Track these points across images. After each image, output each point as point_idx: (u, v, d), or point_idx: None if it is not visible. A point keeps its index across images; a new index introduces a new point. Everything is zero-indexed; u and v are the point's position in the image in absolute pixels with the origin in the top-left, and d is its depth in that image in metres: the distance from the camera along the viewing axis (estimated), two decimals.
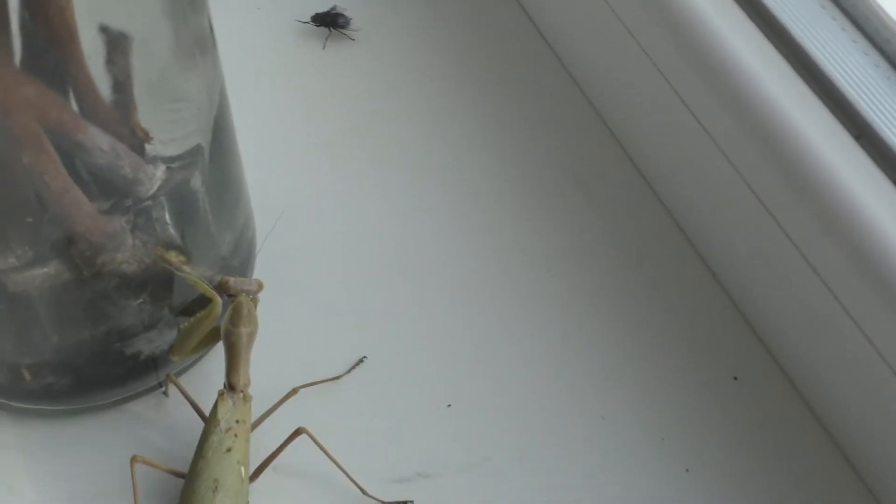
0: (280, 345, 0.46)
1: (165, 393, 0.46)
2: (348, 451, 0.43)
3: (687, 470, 0.44)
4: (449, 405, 0.46)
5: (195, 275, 0.42)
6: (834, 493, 0.43)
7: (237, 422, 0.41)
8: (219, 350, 0.43)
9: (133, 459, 0.41)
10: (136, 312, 0.43)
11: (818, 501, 0.43)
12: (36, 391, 0.44)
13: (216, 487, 0.40)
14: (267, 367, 0.43)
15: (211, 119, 0.42)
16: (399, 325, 0.48)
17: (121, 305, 0.43)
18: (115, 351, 0.44)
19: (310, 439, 0.42)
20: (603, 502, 0.43)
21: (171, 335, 0.44)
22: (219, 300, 0.41)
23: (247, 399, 0.42)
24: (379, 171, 0.54)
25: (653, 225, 0.51)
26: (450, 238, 0.51)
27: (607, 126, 0.55)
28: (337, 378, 0.46)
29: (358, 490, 0.42)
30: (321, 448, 0.42)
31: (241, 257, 0.47)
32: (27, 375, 0.43)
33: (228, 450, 0.41)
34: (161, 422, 0.45)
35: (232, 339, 0.41)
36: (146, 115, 0.39)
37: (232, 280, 0.41)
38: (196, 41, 0.40)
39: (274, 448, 0.42)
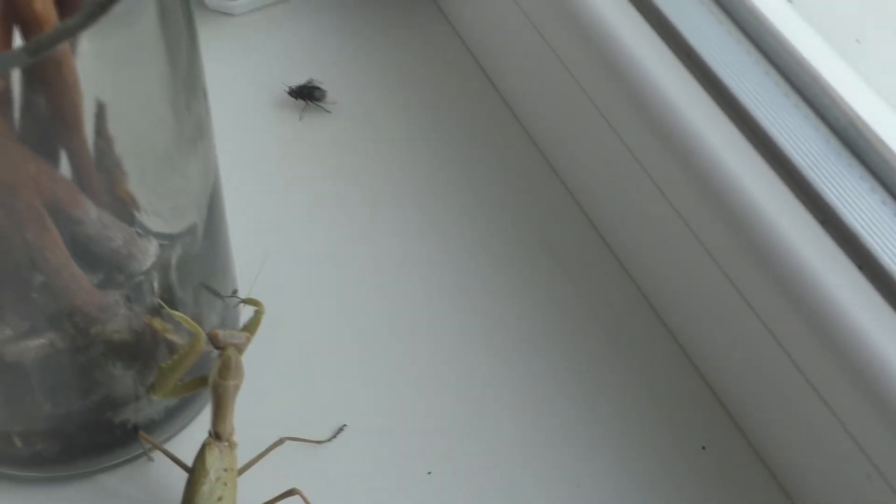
0: (264, 396, 0.47)
1: (150, 458, 0.47)
2: None
3: None
4: (429, 472, 0.47)
5: (177, 313, 0.42)
6: None
7: (225, 470, 0.42)
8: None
9: None
10: (126, 382, 0.45)
11: None
12: (25, 458, 0.45)
13: None
14: (251, 415, 0.44)
15: (207, 197, 0.44)
16: (380, 390, 0.50)
17: (112, 374, 0.44)
18: (105, 419, 0.45)
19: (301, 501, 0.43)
20: None
21: (159, 404, 0.46)
22: (202, 334, 0.42)
23: (233, 446, 0.43)
24: (357, 236, 0.55)
25: (626, 302, 0.53)
26: (429, 301, 0.53)
27: (575, 200, 0.57)
28: (320, 442, 0.47)
29: None
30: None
31: (230, 326, 0.48)
32: (18, 443, 0.44)
33: (220, 499, 0.42)
34: (147, 486, 0.46)
35: (220, 390, 0.42)
36: (148, 197, 0.41)
37: (221, 333, 0.42)
38: (196, 126, 0.41)
39: (262, 500, 0.43)
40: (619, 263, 0.54)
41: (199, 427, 0.47)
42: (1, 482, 0.45)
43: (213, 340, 0.42)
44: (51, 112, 0.37)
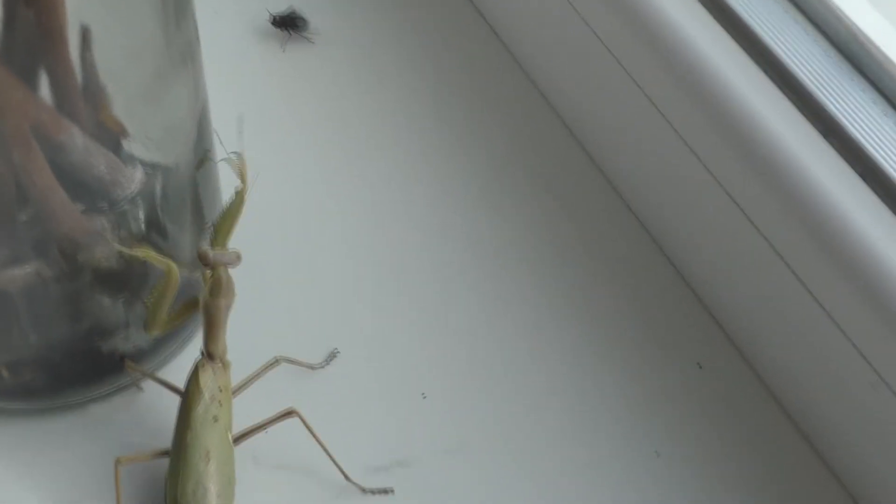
0: (254, 320, 0.46)
1: (139, 387, 0.46)
2: (325, 440, 0.43)
3: (657, 453, 0.45)
4: (424, 396, 0.47)
5: (143, 250, 0.41)
6: (798, 476, 0.45)
7: (220, 389, 0.42)
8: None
9: (117, 462, 0.41)
10: (113, 310, 0.44)
11: (783, 485, 0.45)
12: (13, 390, 0.44)
13: (208, 458, 0.41)
14: (242, 339, 0.43)
15: (195, 123, 0.42)
16: (373, 316, 0.49)
17: (99, 303, 0.43)
18: (93, 348, 0.44)
19: (298, 423, 0.42)
20: (578, 484, 0.44)
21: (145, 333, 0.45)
22: (173, 266, 0.41)
23: (226, 366, 0.42)
24: (344, 167, 0.54)
25: (617, 222, 0.53)
26: (421, 230, 0.52)
27: (566, 125, 0.56)
28: (313, 367, 0.47)
29: (340, 477, 0.43)
30: (310, 431, 0.42)
31: None
32: (5, 373, 0.44)
33: (215, 419, 0.41)
34: (140, 414, 0.45)
35: (211, 310, 0.41)
36: (134, 123, 0.39)
37: (211, 252, 0.41)
38: (185, 49, 0.40)
39: (258, 420, 0.42)
40: (613, 188, 0.54)
41: (187, 355, 0.46)
42: None
43: (202, 259, 0.41)
44: (35, 34, 0.36)
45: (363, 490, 0.44)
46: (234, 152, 0.41)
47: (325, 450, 0.43)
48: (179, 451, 0.41)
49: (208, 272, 0.41)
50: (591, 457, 0.45)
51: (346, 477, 0.43)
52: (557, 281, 0.50)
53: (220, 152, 0.45)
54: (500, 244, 0.52)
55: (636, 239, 0.52)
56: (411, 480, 0.44)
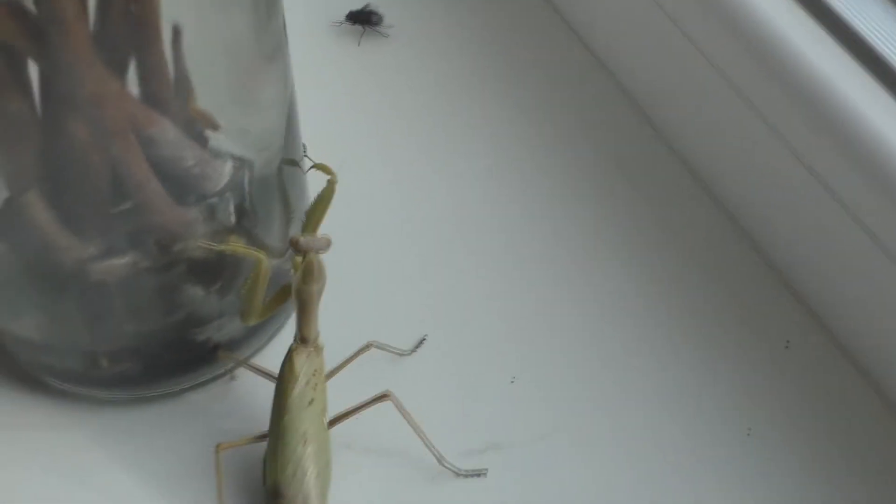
0: (349, 307, 0.47)
1: (232, 377, 0.47)
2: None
3: (749, 432, 0.45)
4: (512, 380, 0.47)
5: (231, 244, 0.42)
6: (890, 451, 0.45)
7: (314, 373, 0.42)
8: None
9: (218, 448, 0.42)
10: (207, 300, 0.45)
11: (873, 461, 0.45)
12: (111, 378, 0.45)
13: (305, 440, 0.41)
14: (337, 324, 0.44)
15: (284, 117, 0.43)
16: (460, 300, 0.50)
17: (193, 293, 0.44)
18: (188, 338, 0.45)
19: (389, 408, 0.43)
20: (671, 464, 0.44)
21: (239, 323, 0.46)
22: (262, 257, 0.42)
23: (319, 350, 0.43)
24: (424, 157, 0.55)
25: (692, 200, 0.53)
26: (505, 218, 0.53)
27: (643, 110, 0.56)
28: (404, 353, 0.47)
29: (433, 461, 0.44)
30: (403, 414, 0.43)
31: None
32: (104, 363, 0.44)
33: (311, 402, 0.42)
34: (235, 401, 0.46)
35: (304, 295, 0.42)
36: (228, 115, 0.40)
37: (302, 239, 0.41)
38: (275, 42, 0.41)
39: (353, 404, 0.43)
40: (693, 175, 0.54)
41: (278, 344, 0.47)
42: (90, 405, 0.46)
43: (294, 246, 0.41)
44: (130, 27, 0.36)
45: (457, 473, 0.44)
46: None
47: (419, 433, 0.43)
48: (277, 436, 0.42)
49: (299, 258, 0.42)
50: (684, 437, 0.45)
51: (440, 460, 0.44)
52: (646, 267, 0.51)
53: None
54: (587, 231, 0.52)
55: (719, 224, 0.52)
56: (504, 463, 0.45)
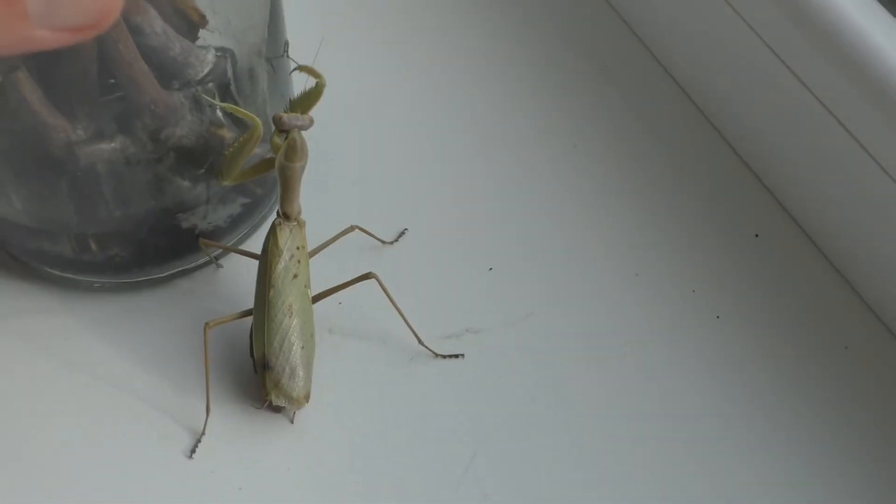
0: (327, 193, 0.49)
1: (218, 265, 0.48)
2: (395, 314, 0.46)
3: (717, 317, 0.47)
4: (490, 268, 0.48)
5: (230, 106, 0.43)
6: (847, 328, 0.47)
7: (298, 248, 0.44)
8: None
9: (206, 326, 0.43)
10: (193, 188, 0.46)
11: (833, 336, 0.46)
12: (101, 264, 0.46)
13: (291, 312, 0.43)
14: (315, 208, 0.45)
15: (267, 7, 0.44)
16: (440, 196, 0.51)
17: (180, 180, 0.45)
18: (174, 225, 0.46)
19: (370, 294, 0.45)
20: (642, 349, 0.46)
21: (224, 211, 0.47)
22: (258, 121, 0.42)
23: (301, 225, 0.44)
24: (413, 40, 0.57)
25: (682, 116, 0.54)
26: (486, 112, 0.54)
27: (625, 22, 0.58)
28: (385, 243, 0.49)
29: (413, 343, 0.45)
30: (387, 293, 0.44)
31: None
32: (94, 246, 0.46)
33: (295, 276, 0.43)
34: (223, 286, 0.47)
35: (287, 172, 0.43)
36: (211, 4, 0.41)
37: (285, 116, 0.42)
38: None
39: (336, 283, 0.45)
40: (663, 68, 0.55)
41: (260, 236, 0.48)
42: (81, 292, 0.47)
43: (277, 123, 0.42)
44: None
45: (435, 355, 0.46)
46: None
47: (401, 313, 0.45)
48: (263, 310, 0.43)
49: (278, 139, 0.43)
50: (653, 322, 0.47)
51: (420, 341, 0.45)
52: (621, 166, 0.52)
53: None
54: (562, 129, 0.53)
55: (695, 122, 0.53)
56: (481, 345, 0.46)
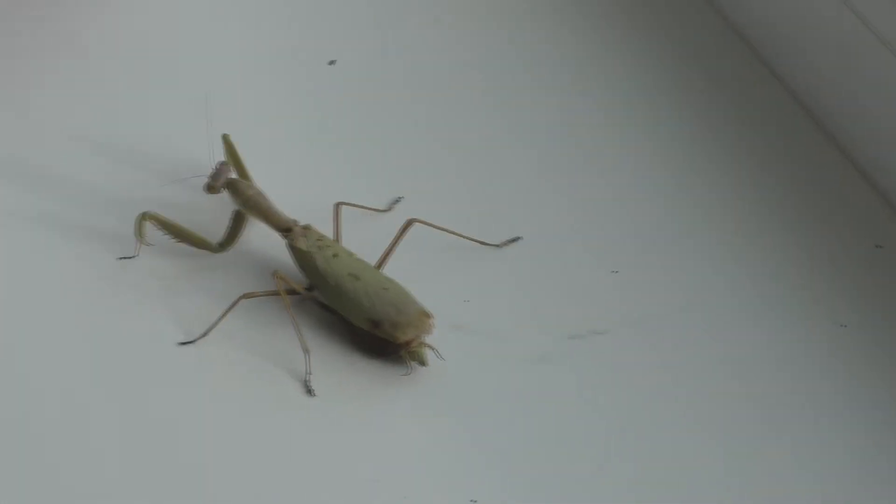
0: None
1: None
2: (524, 311, 0.47)
3: (843, 325, 0.47)
4: (615, 271, 0.49)
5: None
6: None
7: (318, 239, 0.46)
8: None
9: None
10: None
11: None
12: None
13: (354, 276, 0.46)
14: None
15: None
16: (563, 196, 0.52)
17: None
18: None
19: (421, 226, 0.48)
20: (773, 355, 0.47)
21: None
22: (211, 243, 0.47)
23: (308, 227, 0.47)
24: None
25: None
26: (605, 111, 0.55)
27: None
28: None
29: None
30: (435, 226, 0.48)
31: None
32: None
33: (335, 255, 0.46)
34: None
35: (250, 204, 0.47)
36: None
37: (209, 182, 0.48)
38: None
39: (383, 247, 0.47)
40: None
41: None
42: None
43: (210, 191, 0.48)
44: None
45: (497, 245, 0.49)
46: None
47: (456, 233, 0.48)
48: (337, 294, 0.46)
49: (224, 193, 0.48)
50: (776, 329, 0.47)
51: (482, 242, 0.49)
52: (734, 165, 0.53)
53: None
54: (684, 129, 0.54)
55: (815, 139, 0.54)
56: (605, 346, 0.47)
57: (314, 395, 0.44)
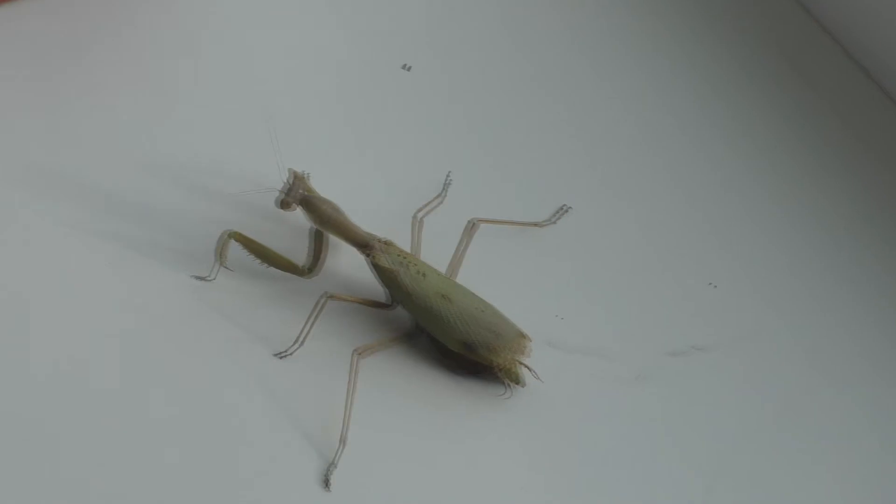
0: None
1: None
2: (617, 328, 0.45)
3: None
4: (713, 284, 0.47)
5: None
6: None
7: (400, 256, 0.44)
8: None
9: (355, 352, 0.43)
10: None
11: None
12: None
13: (446, 298, 0.44)
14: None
15: None
16: (656, 207, 0.50)
17: None
18: None
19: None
20: (880, 369, 0.45)
21: None
22: (300, 267, 0.45)
23: (388, 242, 0.45)
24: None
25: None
26: (697, 123, 0.53)
27: None
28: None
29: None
30: (496, 221, 0.47)
31: None
32: None
33: (423, 274, 0.44)
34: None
35: (329, 221, 0.45)
36: None
37: (285, 198, 0.45)
38: None
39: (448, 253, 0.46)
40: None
41: None
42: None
43: (286, 208, 0.45)
44: None
45: (553, 222, 0.48)
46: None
47: (514, 223, 0.48)
48: (428, 317, 0.44)
49: (299, 209, 0.45)
50: (874, 343, 0.45)
51: (537, 224, 0.48)
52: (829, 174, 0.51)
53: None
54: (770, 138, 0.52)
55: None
56: (708, 365, 0.45)
57: (330, 489, 0.41)
